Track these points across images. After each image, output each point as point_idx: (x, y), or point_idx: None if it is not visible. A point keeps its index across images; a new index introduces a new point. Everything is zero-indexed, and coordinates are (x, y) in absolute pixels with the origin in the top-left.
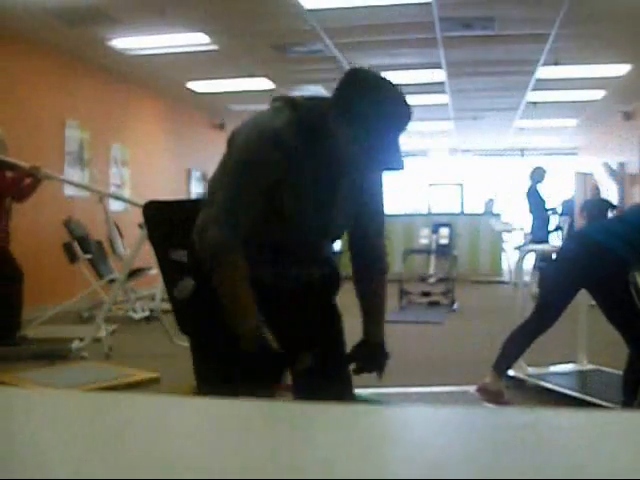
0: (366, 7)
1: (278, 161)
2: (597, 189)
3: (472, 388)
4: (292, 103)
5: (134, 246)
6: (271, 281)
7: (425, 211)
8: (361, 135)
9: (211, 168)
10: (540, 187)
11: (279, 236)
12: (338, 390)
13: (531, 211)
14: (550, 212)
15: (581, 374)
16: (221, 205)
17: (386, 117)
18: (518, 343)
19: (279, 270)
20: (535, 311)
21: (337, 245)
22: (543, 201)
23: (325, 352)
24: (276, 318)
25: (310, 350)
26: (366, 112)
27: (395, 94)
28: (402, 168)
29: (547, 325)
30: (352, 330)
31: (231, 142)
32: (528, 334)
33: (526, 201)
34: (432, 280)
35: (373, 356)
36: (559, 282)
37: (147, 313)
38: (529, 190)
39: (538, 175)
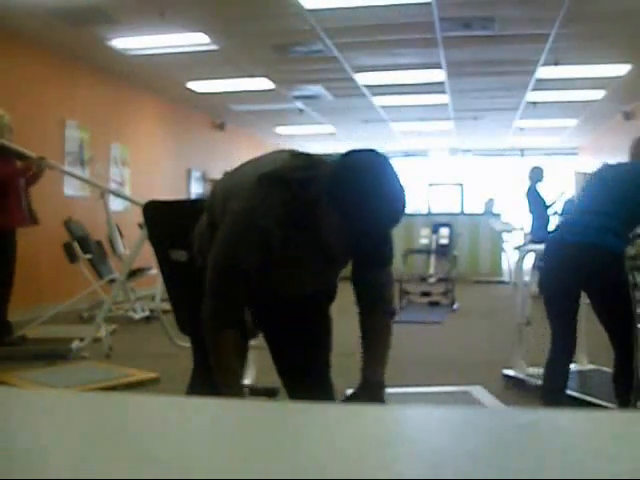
0: (366, 7)
1: (264, 247)
2: None
3: (472, 388)
4: (283, 178)
5: (134, 246)
6: (269, 303)
7: (425, 211)
8: (350, 229)
9: (211, 168)
10: (539, 187)
11: (271, 295)
12: (320, 388)
13: (531, 211)
14: (550, 209)
15: (581, 374)
16: (211, 279)
17: (372, 219)
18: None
19: (276, 302)
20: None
21: None
22: (543, 200)
23: (311, 351)
24: (269, 322)
25: (297, 348)
26: (354, 213)
27: (385, 195)
28: (391, 256)
29: (569, 342)
30: (350, 329)
31: (228, 216)
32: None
33: (526, 201)
34: (432, 280)
35: (374, 397)
36: (563, 294)
37: (147, 313)
38: (529, 190)
39: (537, 174)
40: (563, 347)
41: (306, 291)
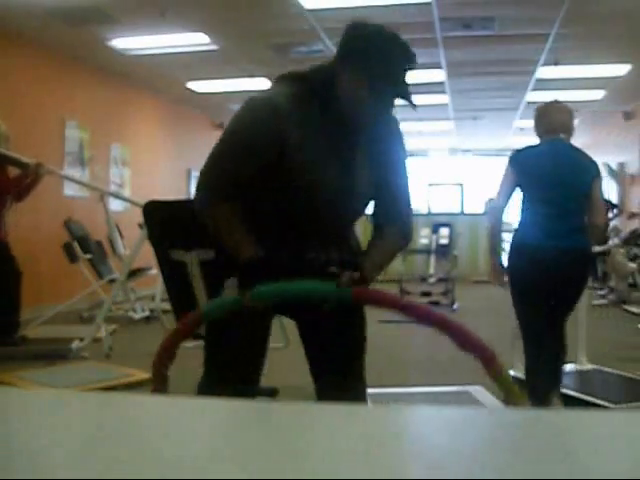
0: (366, 7)
1: (270, 126)
2: None
3: (472, 388)
4: (295, 73)
5: (134, 246)
6: (285, 263)
7: (425, 211)
8: (368, 77)
9: None
10: None
11: (289, 208)
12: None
13: None
14: None
15: (581, 374)
16: (204, 168)
17: (391, 55)
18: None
19: (293, 251)
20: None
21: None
22: None
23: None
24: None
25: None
26: (370, 54)
27: (395, 36)
28: (413, 103)
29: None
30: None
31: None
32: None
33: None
34: (432, 280)
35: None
36: (545, 297)
37: (147, 313)
38: None
39: None
40: (549, 347)
41: (327, 220)
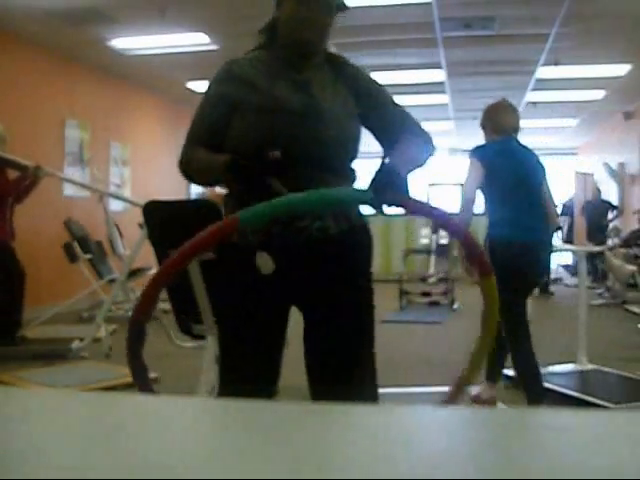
0: (366, 7)
1: (226, 86)
2: (598, 190)
3: (472, 388)
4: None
5: (134, 246)
6: (275, 233)
7: None
8: None
9: None
10: None
11: (262, 142)
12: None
13: None
14: None
15: (581, 374)
16: (187, 136)
17: None
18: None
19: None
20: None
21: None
22: None
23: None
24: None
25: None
26: None
27: None
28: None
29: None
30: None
31: None
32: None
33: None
34: (432, 280)
35: (387, 179)
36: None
37: None
38: None
39: None
40: (529, 343)
41: (306, 144)
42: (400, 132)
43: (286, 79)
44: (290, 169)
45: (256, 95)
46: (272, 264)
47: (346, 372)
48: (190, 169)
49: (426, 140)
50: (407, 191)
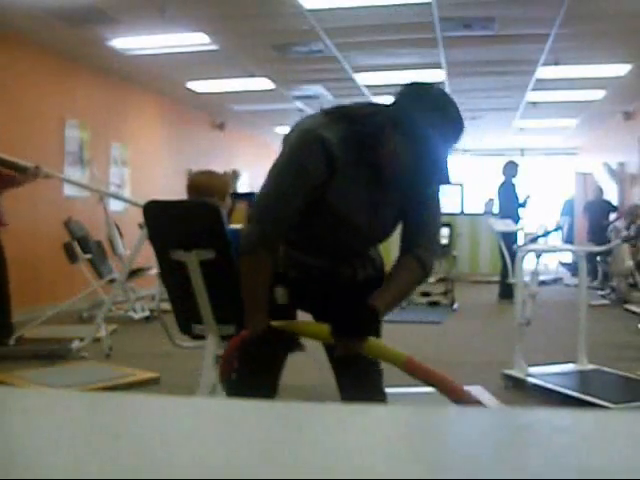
0: (366, 7)
1: (323, 170)
2: (600, 190)
3: (472, 388)
4: (347, 113)
5: (134, 246)
6: (311, 274)
7: None
8: (416, 147)
9: (211, 168)
10: (515, 181)
11: (321, 233)
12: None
13: (501, 204)
14: (521, 208)
15: (581, 374)
16: (261, 202)
17: (443, 129)
18: None
19: (319, 264)
20: None
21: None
22: (516, 196)
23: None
24: (315, 309)
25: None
26: (424, 123)
27: (454, 109)
28: (449, 182)
29: None
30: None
31: (284, 142)
32: None
33: (497, 194)
34: (432, 280)
35: (357, 315)
36: None
37: (147, 313)
38: (503, 184)
39: (512, 170)
40: None
41: (355, 245)
42: (418, 236)
43: (365, 186)
44: (329, 254)
45: (337, 194)
46: (287, 298)
47: (365, 370)
48: (246, 268)
49: (424, 264)
50: (378, 332)
